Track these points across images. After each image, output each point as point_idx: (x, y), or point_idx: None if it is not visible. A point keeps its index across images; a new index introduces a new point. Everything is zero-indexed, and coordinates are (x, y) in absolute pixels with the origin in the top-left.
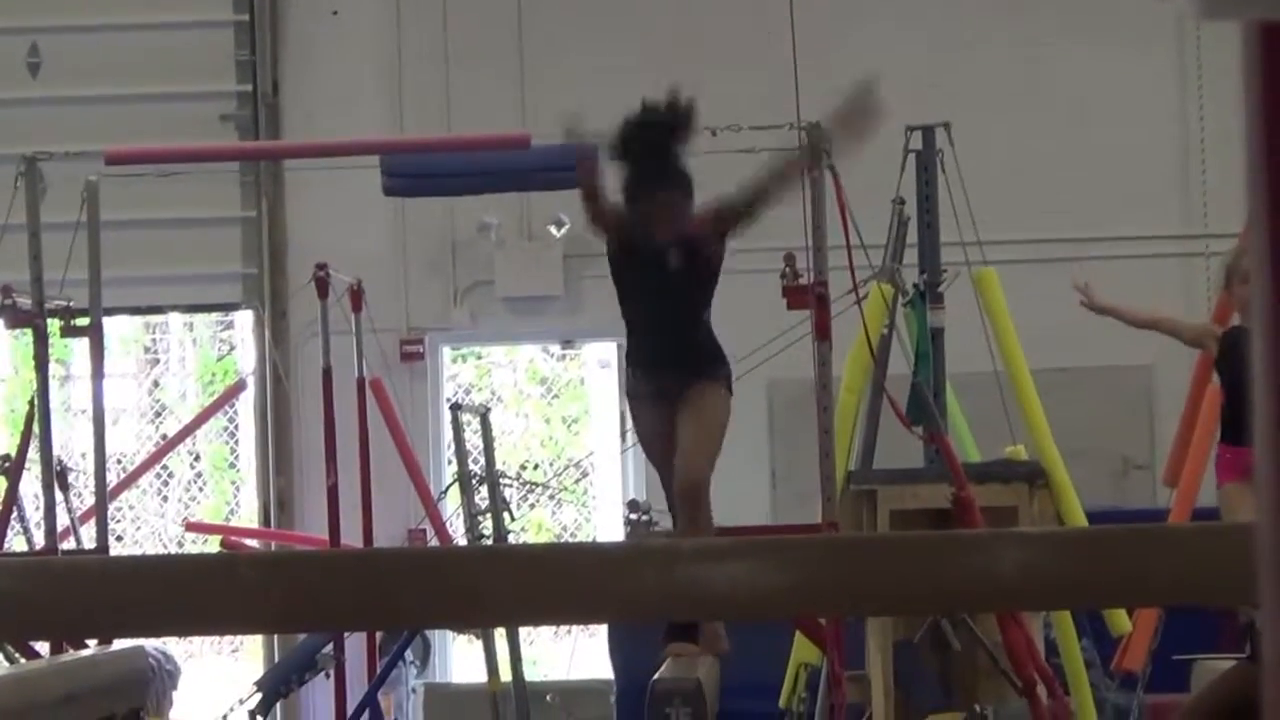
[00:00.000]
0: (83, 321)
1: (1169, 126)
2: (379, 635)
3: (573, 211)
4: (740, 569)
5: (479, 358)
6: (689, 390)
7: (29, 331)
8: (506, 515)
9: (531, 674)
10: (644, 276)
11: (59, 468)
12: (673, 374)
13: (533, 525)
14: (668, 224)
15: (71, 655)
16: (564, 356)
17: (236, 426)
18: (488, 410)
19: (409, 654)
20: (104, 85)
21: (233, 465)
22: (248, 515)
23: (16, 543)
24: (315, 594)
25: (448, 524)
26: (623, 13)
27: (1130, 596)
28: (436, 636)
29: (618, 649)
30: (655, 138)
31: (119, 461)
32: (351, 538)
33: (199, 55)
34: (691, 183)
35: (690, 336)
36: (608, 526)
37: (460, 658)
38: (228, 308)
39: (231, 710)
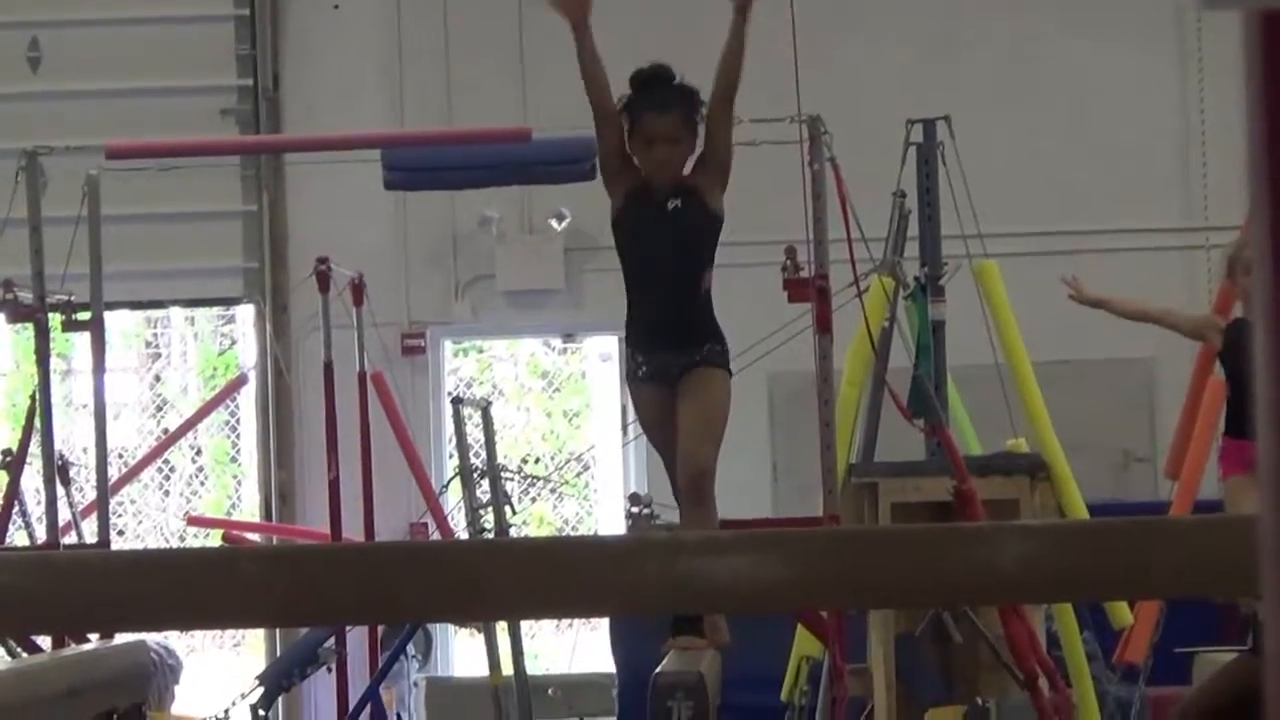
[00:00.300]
0: (84, 316)
1: (1170, 119)
2: (380, 629)
3: (574, 205)
4: (742, 562)
5: (480, 351)
6: (689, 375)
7: (30, 326)
8: (508, 509)
9: (533, 668)
10: (645, 229)
11: (60, 462)
12: (672, 353)
13: (534, 519)
14: (668, 149)
15: (73, 650)
16: (565, 350)
17: (238, 420)
18: (489, 404)
19: (411, 648)
20: (104, 80)
21: (234, 459)
22: (249, 509)
23: (18, 537)
24: (317, 588)
25: (449, 518)
26: (622, 6)
27: (1132, 589)
28: (438, 630)
29: (619, 643)
30: (663, 73)
31: (120, 456)
32: (353, 532)
33: (199, 49)
34: (695, 124)
35: (691, 302)
36: (609, 520)
37: (462, 652)
38: (229, 302)
39: (234, 705)
